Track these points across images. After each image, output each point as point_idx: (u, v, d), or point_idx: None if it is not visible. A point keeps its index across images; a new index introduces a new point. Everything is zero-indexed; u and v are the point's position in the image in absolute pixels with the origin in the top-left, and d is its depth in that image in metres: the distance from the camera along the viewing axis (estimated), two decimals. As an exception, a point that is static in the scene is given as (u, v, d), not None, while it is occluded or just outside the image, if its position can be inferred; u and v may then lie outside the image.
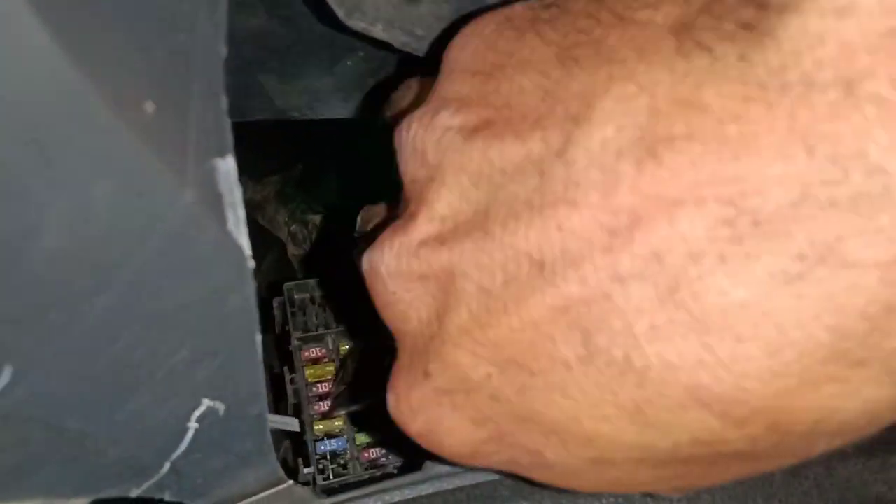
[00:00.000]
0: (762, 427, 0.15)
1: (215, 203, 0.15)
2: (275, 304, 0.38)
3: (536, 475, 0.20)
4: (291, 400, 0.35)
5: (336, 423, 0.35)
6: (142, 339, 0.16)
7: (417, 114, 0.19)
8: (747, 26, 0.14)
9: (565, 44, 0.17)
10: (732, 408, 0.15)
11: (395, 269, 0.18)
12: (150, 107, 0.13)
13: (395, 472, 0.33)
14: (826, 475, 0.26)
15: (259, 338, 0.17)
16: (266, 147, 0.56)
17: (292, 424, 0.36)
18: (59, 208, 0.12)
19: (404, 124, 0.19)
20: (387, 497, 0.25)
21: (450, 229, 0.17)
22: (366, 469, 0.34)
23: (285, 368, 0.36)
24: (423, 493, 0.24)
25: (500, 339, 0.17)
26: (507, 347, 0.17)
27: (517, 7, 0.19)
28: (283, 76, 0.33)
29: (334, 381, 0.35)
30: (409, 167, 0.19)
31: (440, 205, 0.18)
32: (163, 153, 0.13)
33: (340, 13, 0.22)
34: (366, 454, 0.34)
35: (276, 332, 0.38)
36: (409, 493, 0.24)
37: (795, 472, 0.25)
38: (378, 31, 0.23)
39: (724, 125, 0.14)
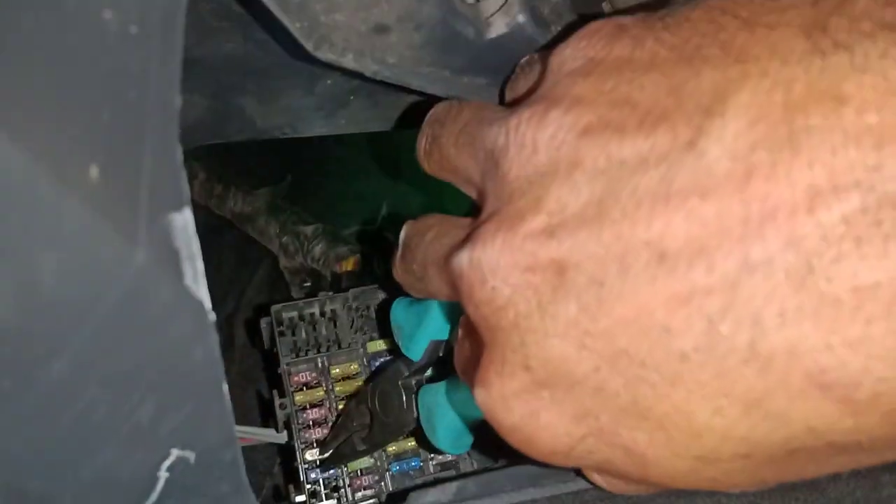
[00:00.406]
0: (878, 414, 0.15)
1: (171, 259, 0.15)
2: (262, 325, 0.37)
3: (635, 472, 0.19)
4: (281, 421, 0.35)
5: (324, 455, 0.34)
6: (102, 399, 0.15)
7: (525, 113, 0.19)
8: (888, 26, 0.14)
9: (689, 47, 0.17)
10: (854, 392, 0.15)
11: (499, 263, 0.18)
12: (94, 171, 0.13)
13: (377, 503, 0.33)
14: (817, 496, 0.25)
15: (226, 386, 0.17)
16: (256, 159, 0.56)
17: (278, 437, 0.36)
18: (3, 283, 0.12)
19: (511, 123, 0.19)
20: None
21: (559, 222, 0.17)
22: (357, 496, 0.34)
23: (274, 392, 0.36)
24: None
25: (611, 330, 0.17)
26: (618, 339, 0.17)
27: (629, 18, 0.19)
28: (263, 98, 0.32)
29: (332, 432, 0.35)
30: (515, 164, 0.19)
31: (550, 199, 0.18)
32: (110, 217, 0.13)
33: (309, 46, 0.21)
34: (357, 481, 0.34)
35: (264, 352, 0.38)
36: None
37: (785, 493, 0.25)
38: (348, 62, 0.22)
39: (865, 115, 0.14)
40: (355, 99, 0.34)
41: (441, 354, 0.29)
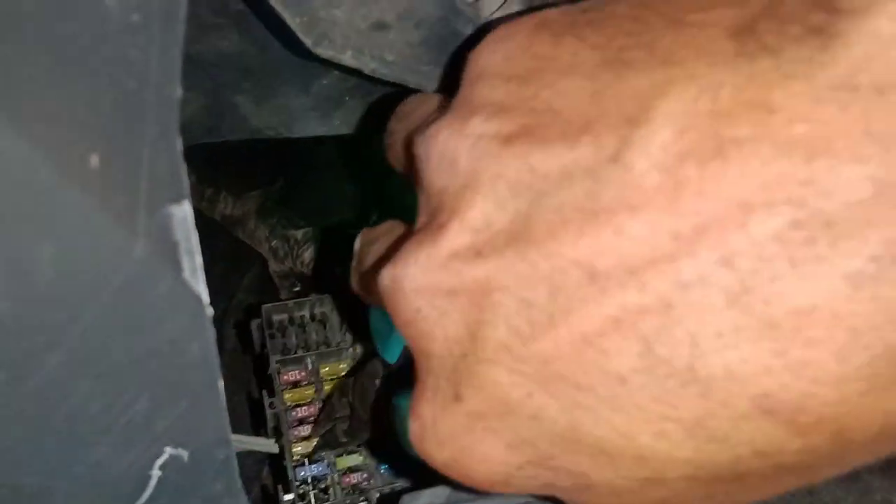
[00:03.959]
0: (826, 435, 0.15)
1: (170, 252, 0.14)
2: (253, 326, 0.37)
3: (577, 498, 0.19)
4: (271, 424, 0.35)
5: (312, 442, 0.34)
6: (97, 393, 0.15)
7: (445, 121, 0.18)
8: (815, 30, 0.14)
9: (612, 47, 0.16)
10: (799, 415, 0.14)
11: (422, 284, 0.17)
12: (94, 161, 0.12)
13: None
14: (809, 501, 0.25)
15: (221, 384, 0.17)
16: (246, 162, 0.56)
17: (270, 447, 0.36)
18: (1, 274, 0.12)
19: (431, 131, 0.18)
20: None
21: (485, 240, 0.16)
22: (347, 494, 0.33)
23: (264, 392, 0.35)
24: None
25: (544, 354, 0.16)
26: (552, 363, 0.16)
27: (551, 11, 0.18)
28: (258, 97, 0.32)
29: (316, 421, 0.34)
30: (437, 176, 0.18)
31: (473, 214, 0.17)
32: (110, 207, 0.13)
33: (308, 42, 0.21)
34: (347, 479, 0.34)
35: (255, 354, 0.38)
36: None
37: (778, 497, 0.25)
38: (347, 59, 0.22)
39: (794, 126, 0.13)
40: (350, 100, 0.34)
41: None
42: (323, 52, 0.22)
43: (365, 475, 0.34)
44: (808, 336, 0.14)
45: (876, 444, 0.15)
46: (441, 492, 0.24)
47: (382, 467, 0.34)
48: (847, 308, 0.13)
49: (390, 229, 0.22)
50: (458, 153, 0.17)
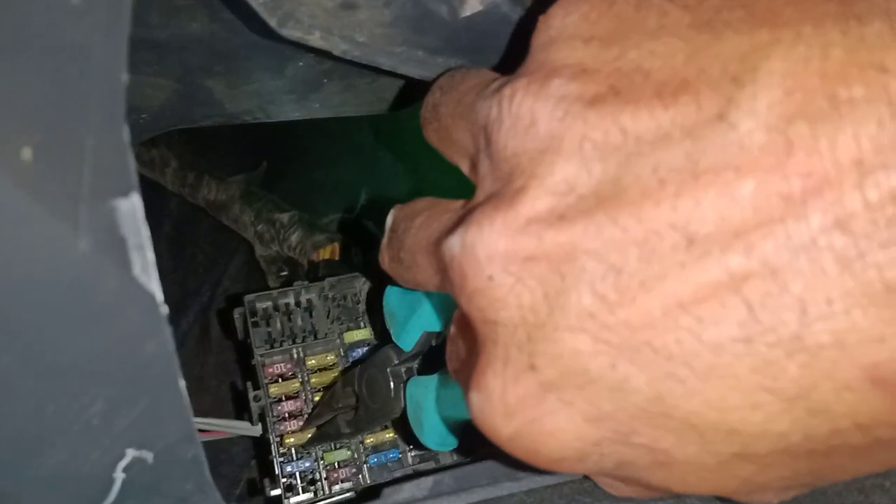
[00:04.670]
0: None
1: (117, 248, 0.14)
2: (235, 315, 0.36)
3: (652, 477, 0.18)
4: (256, 418, 0.34)
5: (307, 435, 0.34)
6: (49, 395, 0.15)
7: (520, 83, 0.17)
8: None
9: (705, 8, 0.16)
10: None
11: (498, 250, 0.16)
12: (27, 153, 0.12)
13: (354, 496, 0.32)
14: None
15: (182, 382, 0.16)
16: (230, 146, 0.55)
17: (254, 430, 0.35)
18: (-76, 273, 0.11)
19: (505, 93, 0.17)
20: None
21: (569, 204, 0.16)
22: (335, 489, 0.33)
23: (248, 384, 0.35)
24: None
25: (632, 322, 0.15)
26: (641, 331, 0.15)
27: None
28: (231, 80, 0.31)
29: (311, 412, 0.34)
30: (511, 140, 0.17)
31: (556, 178, 0.16)
32: (47, 202, 0.12)
33: (272, 23, 0.20)
34: (334, 473, 0.33)
35: (238, 344, 0.37)
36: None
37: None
38: (315, 40, 0.21)
39: None
40: (328, 82, 0.33)
41: (434, 344, 0.28)
42: (289, 33, 0.21)
43: (353, 469, 0.34)
44: None
45: None
46: (424, 483, 0.24)
47: (371, 461, 0.34)
48: None
49: (433, 203, 0.21)
50: (538, 115, 0.16)
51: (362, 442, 0.34)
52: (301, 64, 0.31)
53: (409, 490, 0.24)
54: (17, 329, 0.13)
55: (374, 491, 0.24)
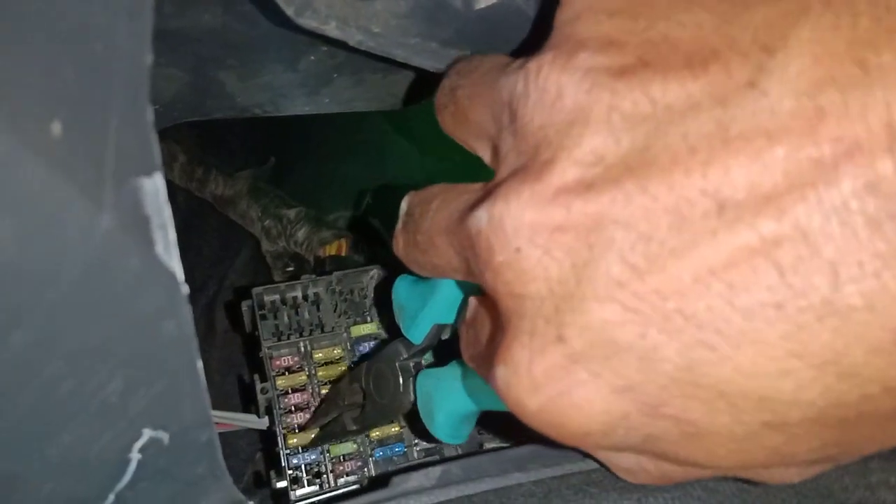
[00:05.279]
0: None
1: (140, 226, 0.14)
2: (243, 308, 0.37)
3: (680, 451, 0.18)
4: (263, 410, 0.34)
5: (310, 435, 0.34)
6: (67, 373, 0.15)
7: (547, 57, 0.17)
8: None
9: None
10: None
11: (526, 221, 0.16)
12: (56, 128, 0.12)
13: (362, 487, 0.32)
14: (806, 481, 0.25)
15: (200, 364, 0.16)
16: (237, 141, 0.55)
17: (261, 423, 0.35)
18: (-46, 245, 0.11)
19: (531, 67, 0.17)
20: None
21: (597, 174, 0.16)
22: (340, 482, 0.33)
23: (255, 377, 0.35)
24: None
25: (664, 290, 0.15)
26: (672, 299, 0.15)
27: None
28: (244, 73, 0.31)
29: (316, 410, 0.34)
30: (538, 113, 0.17)
31: (583, 149, 0.16)
32: (73, 178, 0.12)
33: (289, 11, 0.20)
34: (341, 466, 0.33)
35: (246, 337, 0.37)
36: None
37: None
38: (331, 30, 0.21)
39: None
40: (339, 77, 0.33)
41: (444, 338, 0.28)
42: (305, 22, 0.21)
43: (359, 462, 0.34)
44: None
45: None
46: (432, 473, 0.24)
47: (377, 454, 0.34)
48: None
49: (450, 187, 0.21)
50: (565, 88, 0.16)
51: (368, 436, 0.34)
52: (313, 58, 0.31)
53: (417, 479, 0.24)
54: (36, 305, 0.13)
55: (383, 480, 0.24)
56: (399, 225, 0.23)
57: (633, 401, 0.17)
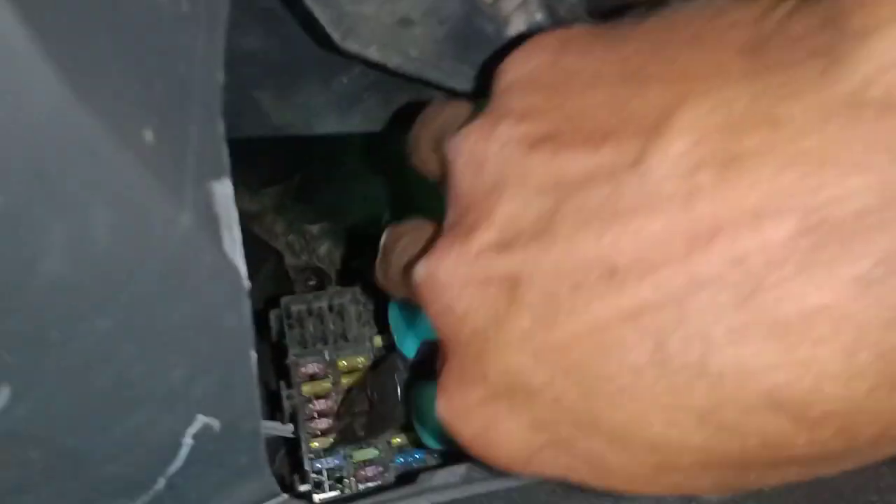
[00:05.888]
0: (833, 430, 0.15)
1: (212, 225, 0.15)
2: (271, 317, 0.38)
3: (596, 481, 0.20)
4: (288, 416, 0.36)
5: (329, 440, 0.35)
6: (139, 358, 0.16)
7: (475, 125, 0.19)
8: (824, 50, 0.15)
9: (634, 62, 0.18)
10: (806, 410, 0.15)
11: (454, 276, 0.19)
12: (149, 135, 0.13)
13: (388, 485, 0.33)
14: (817, 484, 0.26)
15: (254, 355, 0.18)
16: (264, 158, 0.57)
17: (285, 430, 0.37)
18: (60, 235, 0.13)
19: (461, 135, 0.19)
20: (381, 510, 0.25)
21: (513, 236, 0.18)
22: (362, 486, 0.34)
23: (281, 383, 0.36)
24: (418, 506, 0.25)
25: (565, 342, 0.17)
26: (573, 351, 0.17)
27: (577, 28, 0.20)
28: (279, 93, 0.33)
29: (336, 416, 0.35)
30: (466, 177, 0.19)
31: (501, 213, 0.18)
32: (161, 179, 0.14)
33: (336, 36, 0.22)
34: (362, 471, 0.34)
35: (272, 344, 0.39)
36: (403, 506, 0.25)
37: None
38: (372, 53, 0.23)
39: (805, 138, 0.14)
40: (369, 97, 0.35)
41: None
42: (350, 46, 0.23)
43: (380, 468, 0.35)
44: (816, 334, 0.14)
45: (883, 440, 0.16)
46: (457, 470, 0.25)
47: (398, 460, 0.35)
48: (853, 308, 0.14)
49: (417, 227, 0.23)
50: (487, 156, 0.19)
51: (389, 442, 0.35)
52: (345, 79, 0.33)
53: (442, 476, 0.25)
54: (121, 294, 0.15)
55: (410, 477, 0.25)
56: (378, 258, 0.25)
57: (548, 437, 0.18)
